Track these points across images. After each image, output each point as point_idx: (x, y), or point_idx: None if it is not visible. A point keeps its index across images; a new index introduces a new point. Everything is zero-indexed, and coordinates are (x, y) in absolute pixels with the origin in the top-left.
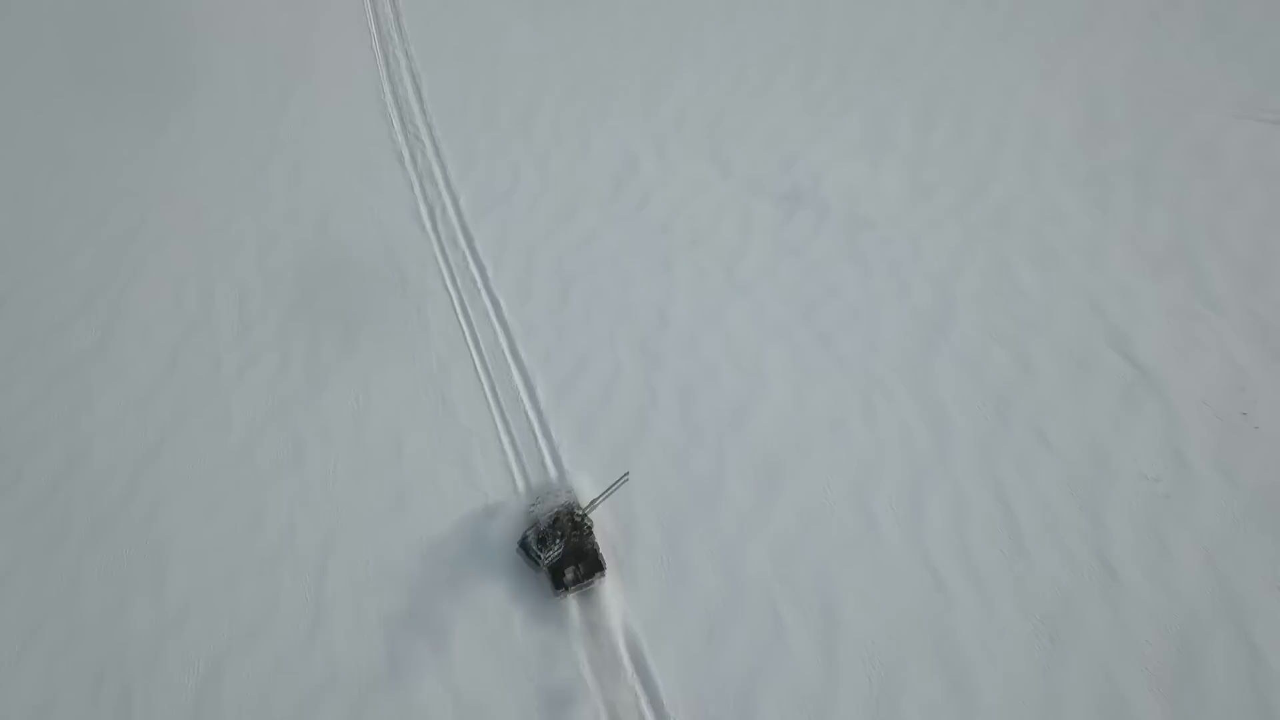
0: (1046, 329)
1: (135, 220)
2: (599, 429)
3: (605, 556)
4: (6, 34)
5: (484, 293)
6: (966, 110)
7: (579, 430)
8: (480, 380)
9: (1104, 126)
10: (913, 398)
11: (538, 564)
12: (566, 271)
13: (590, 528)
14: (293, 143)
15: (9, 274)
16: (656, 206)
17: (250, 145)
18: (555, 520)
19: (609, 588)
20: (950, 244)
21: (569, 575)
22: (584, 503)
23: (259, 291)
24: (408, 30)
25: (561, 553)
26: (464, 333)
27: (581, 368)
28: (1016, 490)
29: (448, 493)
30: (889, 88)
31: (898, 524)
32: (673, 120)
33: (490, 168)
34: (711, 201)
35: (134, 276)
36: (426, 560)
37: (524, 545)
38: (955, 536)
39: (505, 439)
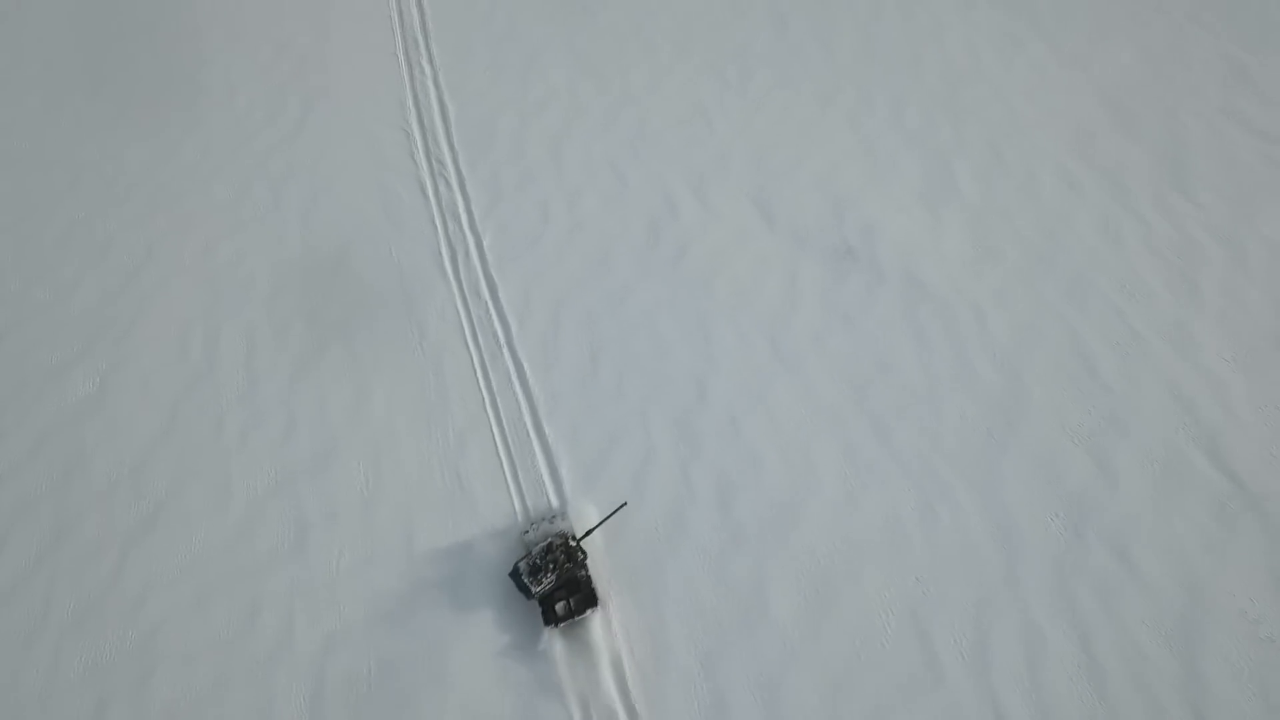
0: (1128, 427)
1: (142, 252)
2: (629, 523)
3: (599, 589)
4: (21, 43)
5: (507, 353)
6: (1037, 155)
7: (608, 525)
8: (500, 458)
9: (1192, 183)
10: (977, 503)
11: (529, 594)
12: (597, 332)
13: (584, 558)
14: (310, 167)
15: (11, 306)
16: (696, 258)
17: (266, 169)
18: (548, 548)
19: (599, 627)
20: (1019, 318)
21: (561, 609)
22: (579, 531)
23: (268, 340)
24: (435, 50)
25: (554, 584)
26: (484, 400)
27: (611, 449)
28: (1096, 623)
29: (461, 591)
30: (950, 126)
31: (962, 659)
32: (714, 155)
33: (517, 204)
34: (755, 255)
35: (138, 317)
36: (435, 661)
37: (516, 574)
38: (1027, 677)
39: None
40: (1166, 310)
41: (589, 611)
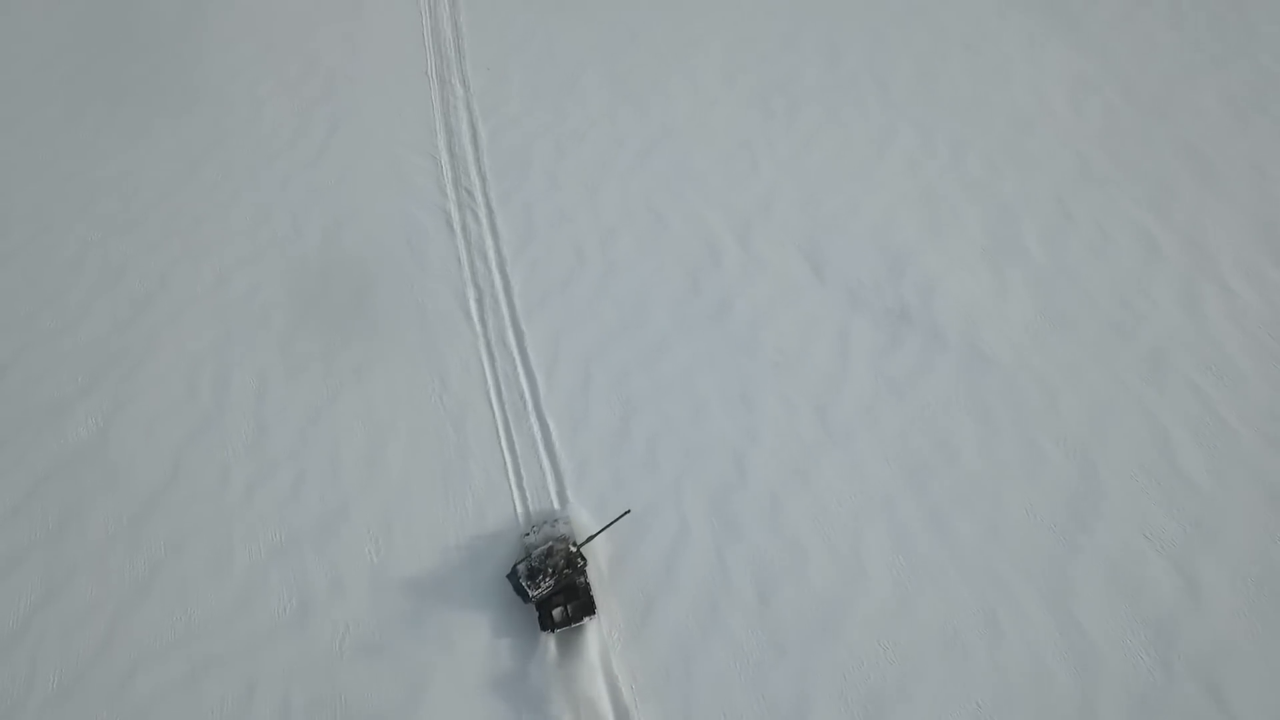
0: (1217, 534)
1: (155, 280)
2: (657, 613)
3: (596, 597)
4: (45, 52)
5: (532, 413)
6: (1110, 212)
7: (634, 612)
8: (520, 527)
9: None
10: (1047, 616)
11: (526, 598)
12: (630, 392)
13: (584, 565)
14: (333, 195)
15: (17, 333)
16: (739, 314)
17: (287, 194)
18: (549, 553)
19: (595, 637)
20: (1092, 398)
21: (558, 615)
22: (580, 536)
23: (280, 383)
24: (469, 70)
25: (551, 589)
26: (506, 464)
27: (641, 524)
28: None
29: (470, 677)
30: (1016, 176)
31: None
32: (761, 197)
33: (549, 244)
34: (803, 313)
35: (146, 352)
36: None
37: (514, 576)
38: None
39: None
40: (1258, 398)
41: (586, 619)
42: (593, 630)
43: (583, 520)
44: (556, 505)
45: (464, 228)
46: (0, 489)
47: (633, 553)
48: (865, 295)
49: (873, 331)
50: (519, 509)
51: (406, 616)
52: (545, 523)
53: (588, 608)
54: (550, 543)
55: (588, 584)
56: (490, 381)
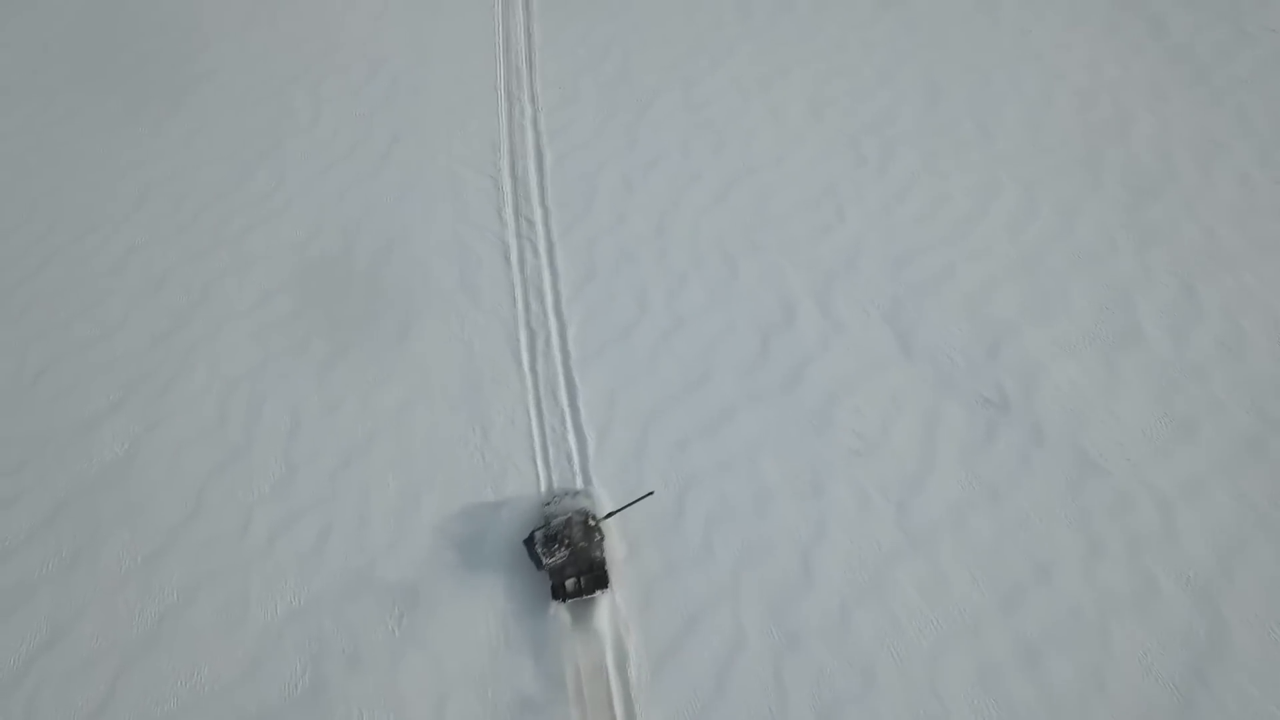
0: None
1: (197, 293)
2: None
3: (611, 572)
4: (110, 44)
5: (579, 477)
6: (1243, 300)
7: None
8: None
9: None
10: None
11: (539, 565)
12: (687, 465)
13: (601, 539)
14: (388, 212)
15: (52, 341)
16: (812, 385)
17: (341, 208)
18: (567, 523)
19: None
20: (1219, 525)
21: (569, 585)
22: (600, 511)
23: (314, 417)
24: (540, 87)
25: (565, 559)
26: None
27: (691, 629)
28: None
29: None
30: (1133, 248)
31: None
32: (844, 253)
33: (610, 286)
34: (885, 389)
35: (180, 371)
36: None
37: (530, 542)
38: None
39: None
40: None
41: (598, 593)
42: (604, 604)
43: (604, 499)
44: (581, 489)
45: (521, 260)
46: (19, 511)
47: (679, 654)
48: (956, 375)
49: (964, 419)
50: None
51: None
52: (566, 494)
53: (601, 581)
54: (570, 514)
55: (603, 558)
56: (536, 438)
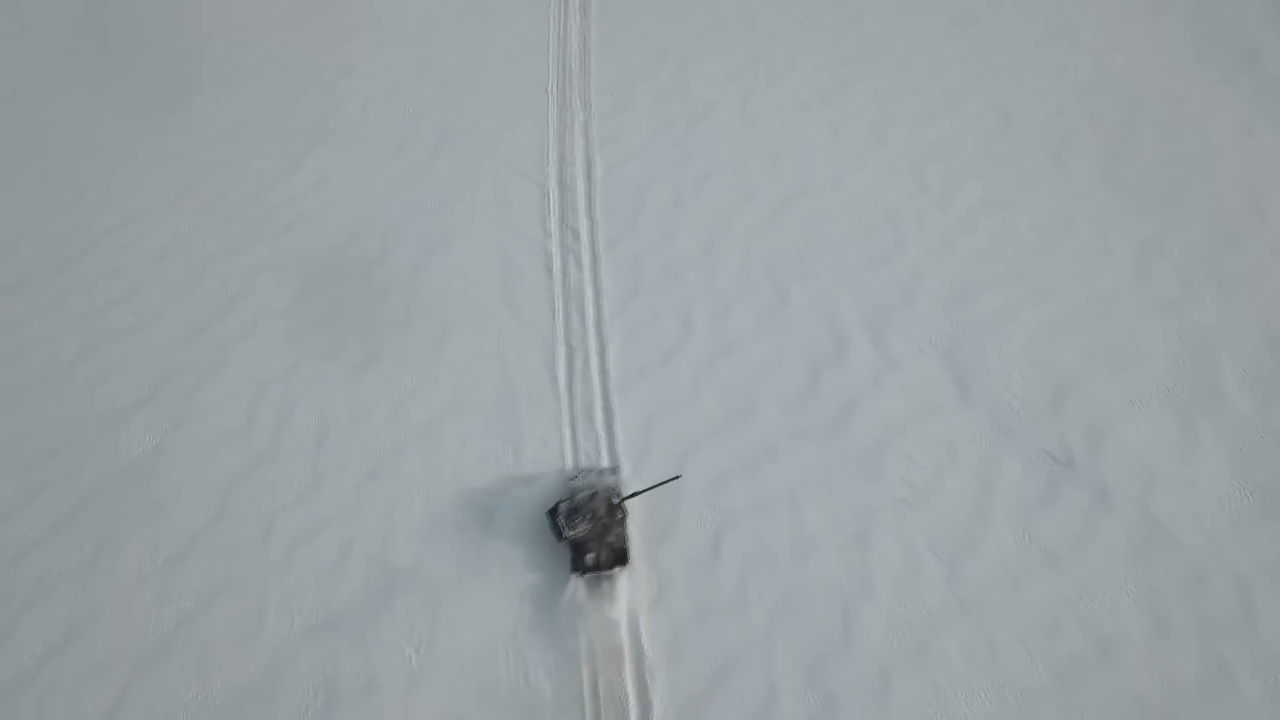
0: None
1: (236, 288)
2: None
3: (631, 550)
4: (161, 30)
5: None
6: None
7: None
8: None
9: None
10: None
11: (560, 536)
12: (725, 503)
13: (624, 517)
14: (430, 215)
15: (90, 328)
16: (862, 426)
17: (383, 209)
18: (591, 497)
19: (624, 587)
20: None
21: (589, 559)
22: (625, 491)
23: (343, 426)
24: (592, 92)
25: (587, 533)
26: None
27: (720, 682)
28: None
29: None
30: (1215, 299)
31: None
32: (902, 285)
33: (654, 306)
34: (939, 436)
35: (214, 368)
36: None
37: (553, 514)
38: None
39: None
40: None
41: (617, 569)
42: (623, 581)
43: (629, 477)
44: (607, 467)
45: (564, 273)
46: (45, 503)
47: (706, 709)
48: (1017, 426)
49: (1024, 475)
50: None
51: None
52: (592, 471)
53: (621, 558)
54: (595, 490)
55: (624, 535)
56: (569, 463)
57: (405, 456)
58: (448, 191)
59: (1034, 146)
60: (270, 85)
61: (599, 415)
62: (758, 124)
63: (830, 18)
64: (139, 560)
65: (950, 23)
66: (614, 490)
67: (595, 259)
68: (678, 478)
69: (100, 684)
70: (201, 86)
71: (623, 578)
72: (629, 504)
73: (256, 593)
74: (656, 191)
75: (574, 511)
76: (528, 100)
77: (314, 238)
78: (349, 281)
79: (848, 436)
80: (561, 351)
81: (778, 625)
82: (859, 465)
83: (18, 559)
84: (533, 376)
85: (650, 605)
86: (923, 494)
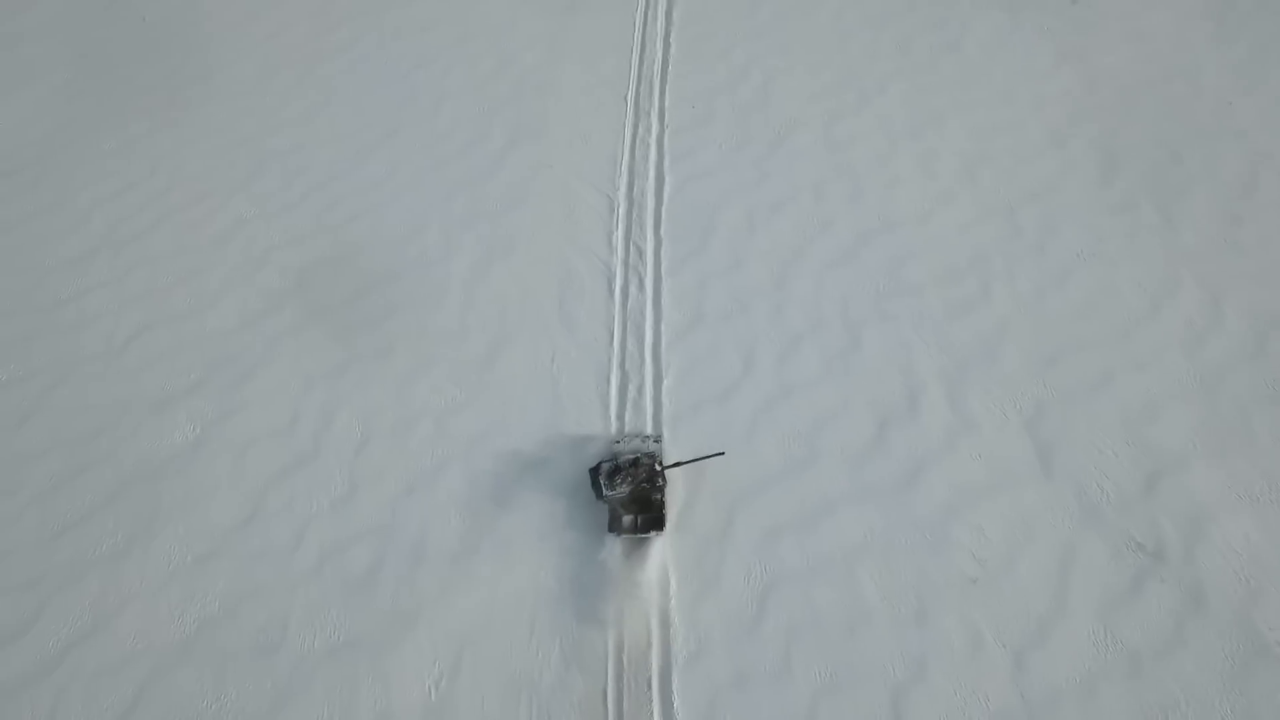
0: None
1: (293, 278)
2: None
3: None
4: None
5: (653, 560)
6: None
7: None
8: (606, 706)
9: None
10: None
11: (600, 495)
12: (774, 561)
13: (663, 484)
14: (494, 219)
15: (149, 309)
16: (931, 490)
17: (449, 207)
18: (634, 462)
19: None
20: None
21: (626, 521)
22: (668, 460)
23: (385, 434)
24: (669, 102)
25: (627, 494)
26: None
27: None
28: None
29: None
30: None
31: None
32: (985, 339)
33: (717, 337)
34: (1016, 510)
35: (263, 360)
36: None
37: (594, 471)
38: None
39: None
40: None
41: (653, 533)
42: (657, 546)
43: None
44: (651, 434)
45: (625, 293)
46: (87, 483)
47: None
48: (1104, 507)
49: (1107, 562)
50: (609, 681)
51: None
52: (637, 436)
53: (658, 523)
54: (638, 455)
55: (663, 501)
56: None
57: (445, 474)
58: (515, 196)
59: (1142, 197)
60: (349, 72)
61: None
62: (842, 149)
63: (928, 41)
64: (169, 554)
65: (1058, 56)
66: (656, 458)
67: (659, 280)
68: (721, 454)
69: (118, 682)
70: (282, 69)
71: (657, 543)
72: (669, 474)
73: (281, 602)
74: (729, 213)
75: (615, 472)
76: (603, 106)
77: (376, 233)
78: (407, 282)
79: (914, 500)
80: (615, 377)
81: (821, 703)
82: (924, 533)
83: (55, 538)
84: (583, 401)
85: (680, 681)
86: (992, 573)
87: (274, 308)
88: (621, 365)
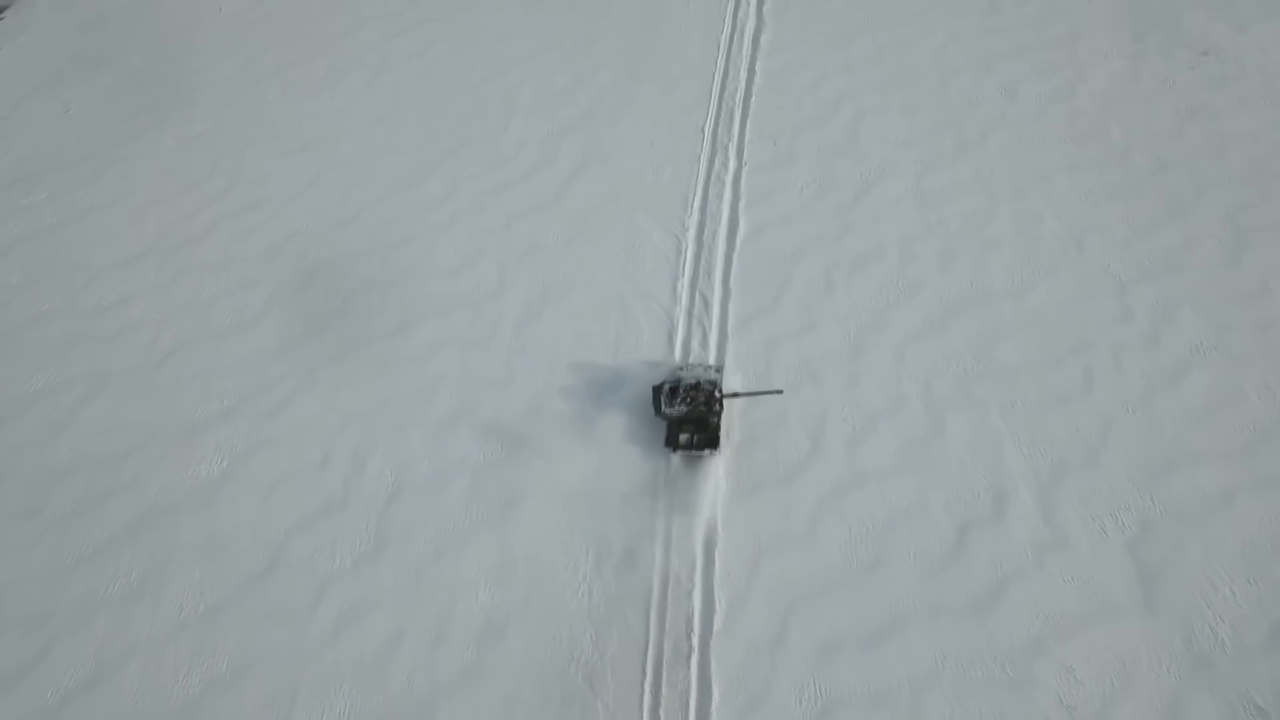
0: None
1: (340, 299)
2: None
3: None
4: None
5: (694, 663)
6: None
7: None
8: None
9: None
10: None
11: (658, 411)
12: (831, 680)
13: (720, 409)
14: (555, 251)
15: (192, 322)
16: (1014, 614)
17: (507, 237)
18: (695, 386)
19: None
20: None
21: (683, 438)
22: (728, 389)
23: (418, 486)
24: (749, 139)
25: (684, 413)
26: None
27: None
28: None
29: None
30: None
31: None
32: (1086, 438)
33: (783, 409)
34: (1114, 651)
35: (299, 389)
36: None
37: (657, 390)
38: None
39: None
40: None
41: (707, 452)
42: (710, 465)
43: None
44: (714, 364)
45: (686, 347)
46: (107, 512)
47: None
48: (1217, 657)
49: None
50: None
51: None
52: (700, 365)
53: (713, 442)
54: (699, 381)
55: (719, 424)
56: (656, 588)
57: (477, 540)
58: (577, 230)
59: (1275, 284)
60: (418, 79)
61: (699, 536)
62: (934, 205)
63: (1038, 88)
64: (182, 603)
65: (1185, 113)
66: (716, 384)
67: (724, 337)
68: (780, 391)
69: None
70: (348, 71)
71: (711, 461)
72: (728, 402)
73: (291, 671)
74: (805, 267)
75: (675, 391)
76: (679, 137)
77: (428, 259)
78: (457, 319)
79: (995, 625)
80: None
81: None
82: (1004, 667)
83: (70, 569)
84: (632, 470)
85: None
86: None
87: (316, 332)
88: None
